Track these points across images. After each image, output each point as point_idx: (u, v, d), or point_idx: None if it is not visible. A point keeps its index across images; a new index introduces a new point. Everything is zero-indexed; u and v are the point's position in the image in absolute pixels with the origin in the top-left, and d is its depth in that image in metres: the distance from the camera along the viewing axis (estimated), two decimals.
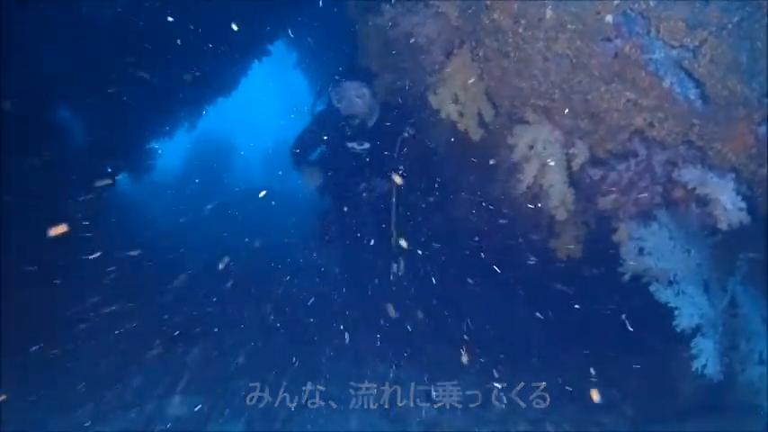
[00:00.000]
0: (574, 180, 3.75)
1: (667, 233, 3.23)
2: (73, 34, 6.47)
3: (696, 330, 3.11)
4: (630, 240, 3.36)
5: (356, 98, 4.94)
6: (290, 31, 10.92)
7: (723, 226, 3.09)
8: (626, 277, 3.48)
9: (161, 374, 4.64)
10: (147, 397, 4.38)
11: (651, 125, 3.26)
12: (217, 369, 4.78)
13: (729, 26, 2.79)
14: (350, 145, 5.18)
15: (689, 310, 3.12)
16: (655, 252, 3.25)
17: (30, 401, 4.06)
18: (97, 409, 4.15)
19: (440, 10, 3.98)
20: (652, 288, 3.24)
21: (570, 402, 4.42)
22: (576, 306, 5.01)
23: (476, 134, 4.09)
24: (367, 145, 5.12)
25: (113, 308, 5.28)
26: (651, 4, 2.81)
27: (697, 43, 2.84)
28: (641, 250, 3.31)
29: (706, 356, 3.03)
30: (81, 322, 5.04)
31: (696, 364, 3.04)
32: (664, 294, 3.17)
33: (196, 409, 4.22)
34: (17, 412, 3.89)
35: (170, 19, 7.38)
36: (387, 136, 5.11)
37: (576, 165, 3.59)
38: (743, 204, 3.00)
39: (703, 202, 3.19)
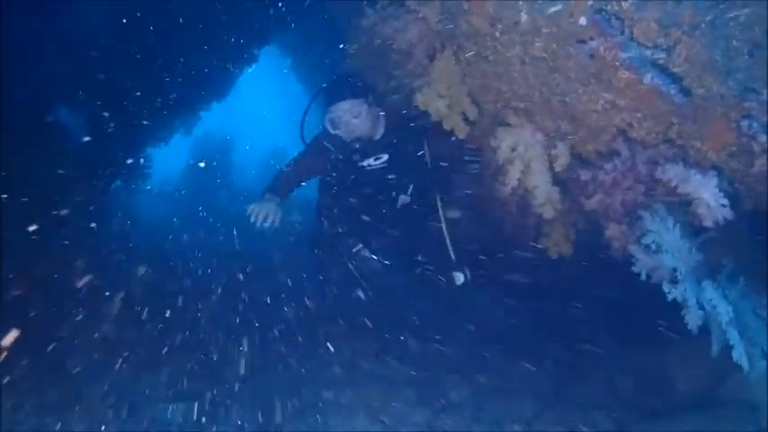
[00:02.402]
0: (558, 181, 3.76)
1: (679, 230, 3.21)
2: (62, 41, 6.49)
3: (721, 324, 3.08)
4: (647, 234, 3.27)
5: (353, 119, 4.49)
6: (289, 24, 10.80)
7: (708, 223, 3.10)
8: (643, 276, 3.39)
9: (158, 379, 4.66)
10: (143, 401, 4.40)
11: (631, 125, 3.26)
12: (216, 374, 4.81)
13: (703, 25, 2.79)
14: (365, 164, 4.69)
15: (709, 304, 3.10)
16: (670, 249, 3.21)
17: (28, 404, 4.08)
18: (94, 413, 4.16)
19: (420, 15, 3.99)
20: (666, 287, 3.18)
21: (563, 401, 4.44)
22: (570, 304, 5.03)
23: (462, 131, 4.09)
24: (385, 157, 4.66)
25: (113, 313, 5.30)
26: (624, 5, 2.81)
27: (671, 43, 2.84)
28: (657, 247, 3.25)
29: (740, 348, 3.01)
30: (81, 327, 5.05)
31: (735, 355, 2.99)
32: (686, 292, 3.12)
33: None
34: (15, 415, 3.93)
35: (162, 24, 7.41)
36: (404, 140, 4.68)
37: (558, 166, 3.60)
38: (725, 201, 3.01)
39: (686, 200, 3.20)
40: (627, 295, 4.50)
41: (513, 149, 3.68)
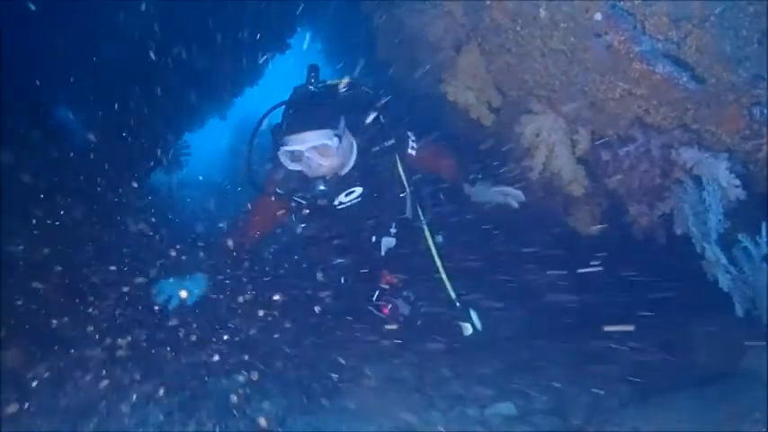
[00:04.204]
0: (580, 163, 3.96)
1: (719, 195, 3.34)
2: (94, 27, 6.59)
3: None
4: (703, 193, 3.41)
5: (319, 157, 3.39)
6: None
7: (723, 201, 3.30)
8: (693, 231, 3.50)
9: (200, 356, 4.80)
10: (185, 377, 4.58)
11: (647, 111, 3.44)
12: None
13: (712, 18, 2.96)
14: (336, 203, 3.67)
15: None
16: (713, 210, 3.36)
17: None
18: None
19: (445, 9, 4.19)
20: (702, 245, 3.40)
21: (590, 375, 4.62)
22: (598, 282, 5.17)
23: (488, 119, 4.29)
24: (358, 191, 3.65)
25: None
26: (636, 1, 2.99)
27: (682, 35, 3.02)
28: (708, 206, 3.38)
29: None
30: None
31: None
32: (718, 252, 3.33)
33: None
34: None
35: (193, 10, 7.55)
36: (375, 164, 3.66)
37: (579, 150, 3.80)
38: (737, 182, 3.19)
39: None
40: (651, 272, 4.67)
41: (537, 135, 3.88)
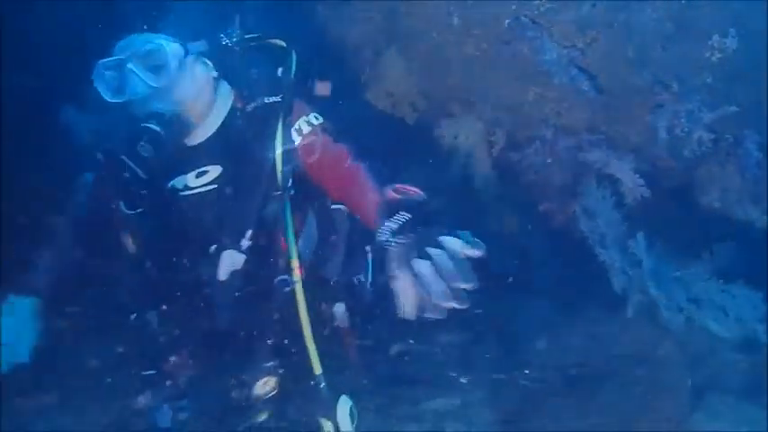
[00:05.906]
0: (497, 164, 4.08)
1: (611, 201, 3.54)
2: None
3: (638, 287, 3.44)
4: (586, 201, 3.63)
5: (147, 73, 2.06)
6: None
7: (629, 199, 3.47)
8: (587, 234, 3.66)
9: None
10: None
11: (559, 114, 3.57)
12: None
13: (616, 25, 3.09)
14: (178, 185, 2.24)
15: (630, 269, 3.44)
16: (602, 217, 3.55)
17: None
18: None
19: (367, 14, 4.22)
20: (597, 251, 3.54)
21: (516, 366, 4.74)
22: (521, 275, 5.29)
23: (411, 118, 4.36)
24: (214, 172, 2.25)
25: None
26: (542, 9, 3.11)
27: (588, 41, 3.15)
28: (593, 213, 3.59)
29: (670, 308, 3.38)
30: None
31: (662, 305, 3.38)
32: (613, 257, 3.48)
33: None
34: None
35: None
36: (247, 138, 2.26)
37: (495, 151, 3.91)
38: (641, 181, 3.38)
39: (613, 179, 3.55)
40: (571, 265, 4.81)
41: (456, 138, 3.98)
